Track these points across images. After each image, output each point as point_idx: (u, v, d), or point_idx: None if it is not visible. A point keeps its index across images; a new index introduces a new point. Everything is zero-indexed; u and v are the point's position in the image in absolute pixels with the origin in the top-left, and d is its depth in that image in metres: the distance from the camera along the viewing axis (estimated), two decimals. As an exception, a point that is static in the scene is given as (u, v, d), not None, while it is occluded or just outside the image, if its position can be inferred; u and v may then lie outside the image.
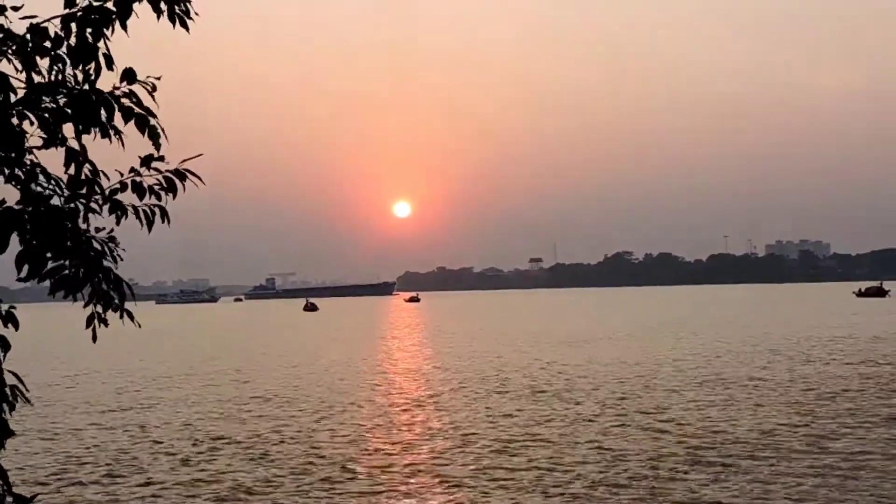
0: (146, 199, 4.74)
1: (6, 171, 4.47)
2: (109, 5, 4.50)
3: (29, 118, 4.46)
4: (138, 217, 4.72)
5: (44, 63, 4.51)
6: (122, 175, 4.71)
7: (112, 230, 4.68)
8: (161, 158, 4.72)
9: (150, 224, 4.76)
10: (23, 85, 4.47)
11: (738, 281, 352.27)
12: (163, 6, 4.62)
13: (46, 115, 4.48)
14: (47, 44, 4.49)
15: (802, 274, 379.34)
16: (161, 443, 20.28)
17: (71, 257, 4.50)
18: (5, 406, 4.71)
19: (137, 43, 4.61)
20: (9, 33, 4.49)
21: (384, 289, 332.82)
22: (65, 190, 4.59)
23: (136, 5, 4.56)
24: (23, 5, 4.56)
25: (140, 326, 5.30)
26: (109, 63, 4.56)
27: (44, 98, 4.46)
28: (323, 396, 27.88)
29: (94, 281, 4.61)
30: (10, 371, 4.69)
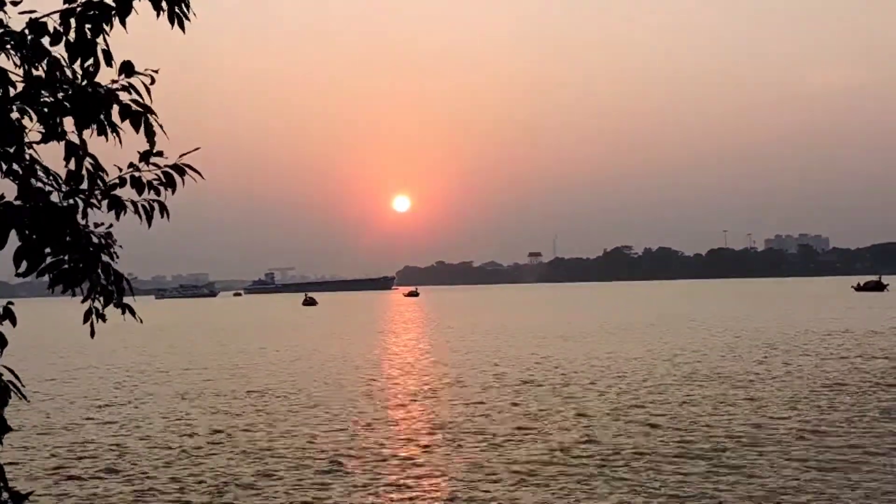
0: (145, 195, 4.75)
1: (4, 167, 4.47)
2: (109, 1, 4.50)
3: (29, 114, 4.46)
4: (137, 212, 4.72)
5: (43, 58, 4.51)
6: (120, 170, 4.71)
7: (111, 226, 4.69)
8: (160, 154, 4.72)
9: (149, 219, 4.76)
10: (21, 79, 4.47)
11: (737, 275, 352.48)
12: (164, 5, 4.63)
13: (45, 109, 4.48)
14: (46, 39, 4.49)
15: (802, 268, 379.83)
16: (159, 437, 20.29)
17: (70, 252, 4.50)
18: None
19: (136, 37, 4.62)
20: (8, 29, 4.49)
21: (383, 283, 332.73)
22: (63, 185, 4.59)
23: (135, 3, 4.56)
24: (22, 0, 4.57)
25: (142, 322, 5.30)
26: (108, 59, 4.56)
27: (42, 92, 4.46)
28: (320, 391, 27.90)
29: (93, 276, 4.61)
30: (5, 367, 4.69)
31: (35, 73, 4.50)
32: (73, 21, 4.49)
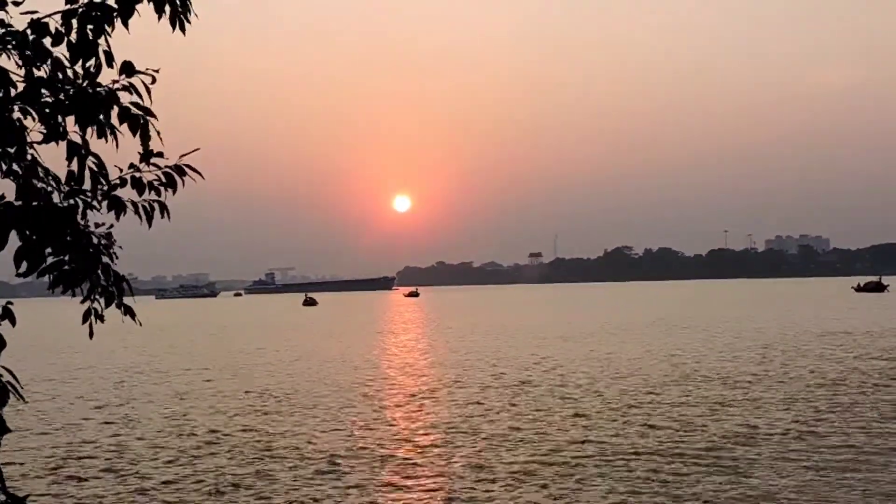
0: (145, 195, 4.75)
1: (4, 167, 4.47)
2: (111, 2, 4.50)
3: (31, 114, 4.46)
4: (137, 213, 4.73)
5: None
6: (121, 171, 4.72)
7: (111, 226, 4.69)
8: (160, 154, 4.73)
9: (149, 219, 4.77)
10: (22, 80, 4.47)
11: (737, 276, 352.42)
12: (166, 8, 4.63)
13: (47, 109, 4.49)
14: (47, 39, 4.49)
15: (802, 269, 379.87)
16: (158, 437, 20.30)
17: (71, 253, 4.51)
18: None
19: (136, 36, 4.62)
20: (10, 29, 4.50)
21: (384, 283, 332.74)
22: (63, 186, 4.59)
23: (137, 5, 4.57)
24: (24, 0, 4.57)
25: (141, 325, 5.30)
26: (109, 60, 4.56)
27: (43, 92, 4.47)
28: (319, 391, 27.91)
29: (93, 277, 4.61)
30: (4, 367, 4.68)
31: (36, 73, 4.50)
32: (74, 22, 4.49)
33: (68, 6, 4.50)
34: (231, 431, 20.76)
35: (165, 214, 4.81)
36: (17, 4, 4.54)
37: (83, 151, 4.56)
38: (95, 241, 4.60)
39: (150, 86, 4.65)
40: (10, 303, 4.75)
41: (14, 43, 4.47)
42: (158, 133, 4.68)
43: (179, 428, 21.55)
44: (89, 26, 4.49)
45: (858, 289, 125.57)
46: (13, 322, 4.68)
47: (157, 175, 4.74)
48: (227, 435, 20.32)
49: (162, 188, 4.75)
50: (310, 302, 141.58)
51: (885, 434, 18.41)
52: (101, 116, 4.52)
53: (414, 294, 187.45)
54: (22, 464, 17.63)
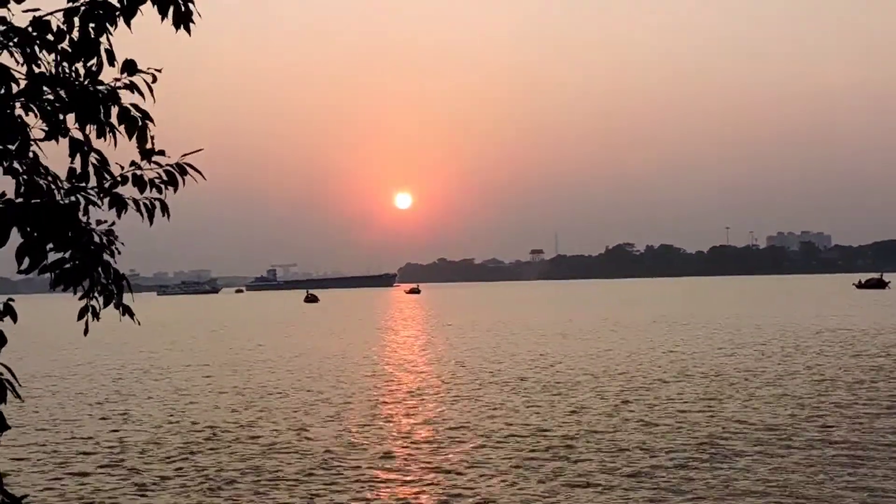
0: (146, 193, 4.76)
1: (5, 164, 4.48)
2: (114, 1, 4.51)
3: (33, 110, 4.47)
4: (139, 210, 4.73)
5: (45, 56, 4.53)
6: (122, 168, 4.73)
7: (112, 223, 4.70)
8: (161, 152, 4.74)
9: (150, 217, 4.78)
10: (24, 77, 4.48)
11: (739, 273, 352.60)
12: (170, 11, 4.64)
13: (48, 106, 4.50)
14: (49, 37, 4.50)
15: (804, 266, 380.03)
16: (158, 433, 20.32)
17: (72, 249, 4.51)
18: None
19: (136, 32, 4.63)
20: (11, 26, 4.50)
21: (385, 280, 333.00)
22: (63, 184, 4.61)
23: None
24: (26, -2, 4.58)
25: (140, 324, 5.30)
26: (111, 59, 4.57)
27: (45, 89, 4.48)
28: (320, 388, 27.92)
29: (93, 275, 4.62)
30: (2, 364, 4.69)
31: (37, 70, 4.51)
32: (76, 20, 4.50)
33: (70, 4, 4.50)
34: (231, 428, 20.78)
35: (166, 213, 4.82)
36: (18, 2, 4.55)
37: (86, 148, 4.57)
38: (97, 238, 4.61)
39: (152, 85, 4.66)
40: (12, 299, 4.76)
41: (17, 39, 4.47)
42: (153, 137, 4.69)
43: (179, 424, 21.57)
44: (91, 25, 4.50)
45: (860, 285, 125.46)
46: (14, 319, 4.70)
47: (158, 173, 4.75)
48: (226, 431, 20.34)
49: (163, 186, 4.76)
50: (311, 299, 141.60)
51: (887, 431, 18.40)
52: (102, 115, 4.53)
53: (415, 291, 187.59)
54: (22, 460, 17.66)
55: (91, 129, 4.55)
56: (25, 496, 5.38)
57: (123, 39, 4.59)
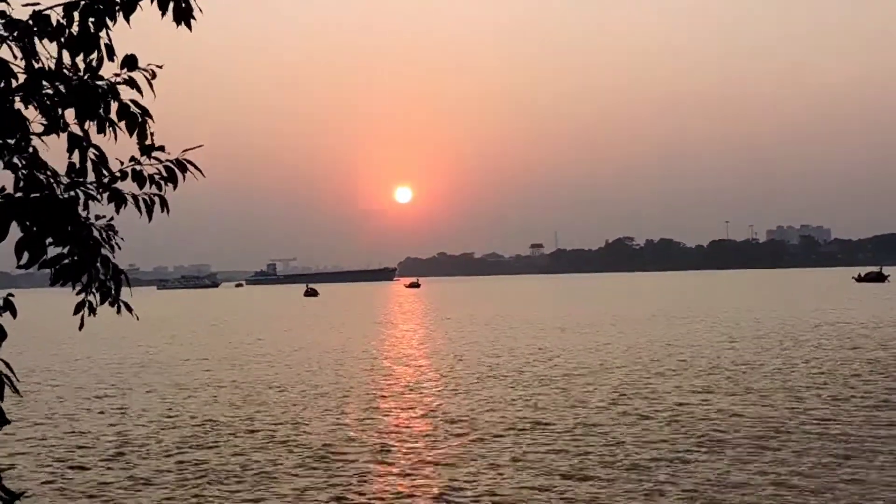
0: (146, 188, 4.76)
1: (5, 159, 4.49)
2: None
3: (32, 104, 4.48)
4: (137, 206, 4.74)
5: (44, 51, 4.53)
6: (121, 164, 4.73)
7: (111, 218, 4.71)
8: (161, 148, 4.74)
9: (149, 213, 4.78)
10: (23, 71, 4.49)
11: (739, 266, 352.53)
12: (170, 6, 4.64)
13: (47, 101, 4.50)
14: (48, 30, 4.51)
15: (804, 259, 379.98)
16: (158, 428, 20.34)
17: (71, 244, 4.52)
18: None
19: (139, 29, 4.64)
20: (11, 20, 4.51)
21: (385, 274, 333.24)
22: (62, 178, 4.61)
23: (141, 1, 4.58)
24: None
25: (138, 319, 5.31)
26: (111, 53, 4.58)
27: (44, 83, 4.48)
28: (318, 382, 27.94)
29: (91, 271, 4.63)
30: (1, 360, 4.70)
31: (36, 65, 4.51)
32: (76, 14, 4.50)
33: (70, -1, 4.50)
34: (230, 422, 20.81)
35: (165, 209, 4.82)
36: (18, -4, 4.56)
37: (84, 144, 4.58)
38: (96, 232, 4.62)
39: (152, 81, 4.66)
40: (11, 294, 4.77)
41: (17, 33, 4.48)
42: (152, 134, 4.70)
43: (178, 418, 21.60)
44: (90, 19, 4.51)
45: (859, 279, 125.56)
46: (14, 314, 4.71)
47: (157, 169, 4.75)
48: (226, 425, 20.37)
49: (162, 182, 4.76)
50: (311, 293, 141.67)
51: (884, 424, 18.42)
52: (101, 111, 4.54)
53: (415, 285, 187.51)
54: (22, 454, 17.68)
55: (91, 125, 4.56)
56: (24, 492, 5.40)
57: (124, 33, 4.60)
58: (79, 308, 4.78)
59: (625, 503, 13.23)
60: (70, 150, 4.57)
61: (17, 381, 4.76)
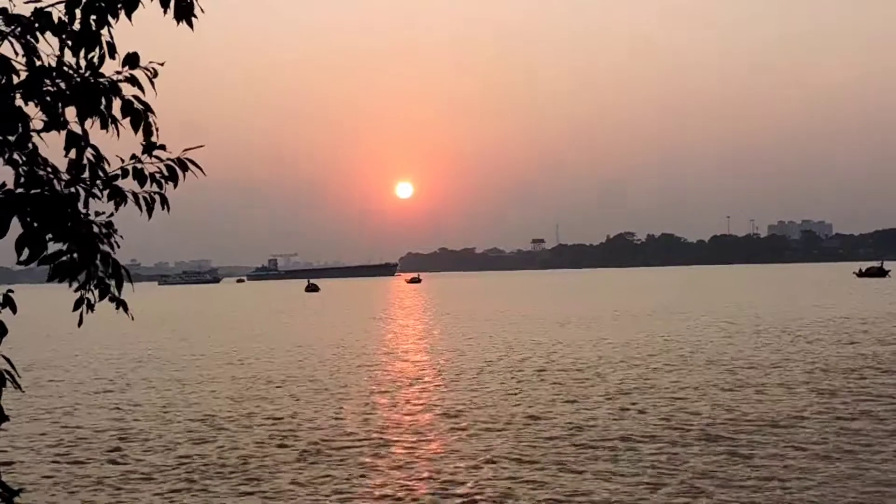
0: (147, 186, 4.77)
1: (6, 155, 4.51)
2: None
3: (33, 100, 4.49)
4: (138, 204, 4.75)
5: (46, 48, 4.54)
6: (122, 161, 4.74)
7: (111, 215, 4.72)
8: (162, 147, 4.76)
9: (150, 211, 4.79)
10: (24, 67, 4.50)
11: (740, 261, 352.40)
12: (171, 3, 4.65)
13: (48, 98, 4.52)
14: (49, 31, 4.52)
15: (805, 254, 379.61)
16: (157, 423, 20.38)
17: (71, 241, 4.54)
18: None
19: (140, 26, 4.66)
20: (12, 15, 4.52)
21: (386, 269, 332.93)
22: (63, 175, 4.63)
23: None
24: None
25: (133, 319, 5.32)
26: (112, 51, 4.59)
27: (45, 81, 4.49)
28: (318, 377, 27.97)
29: (90, 268, 4.64)
30: (2, 355, 4.72)
31: (38, 63, 4.53)
32: (78, 12, 4.51)
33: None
34: (230, 417, 20.84)
35: (166, 207, 4.83)
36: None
37: (83, 143, 4.59)
38: (96, 229, 4.63)
39: (153, 79, 4.68)
40: (11, 291, 4.78)
41: (20, 29, 4.49)
42: (157, 130, 4.72)
43: (178, 413, 21.64)
44: (92, 17, 4.52)
45: (860, 274, 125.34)
46: (14, 310, 4.72)
47: (158, 167, 4.76)
48: (226, 420, 20.41)
49: (163, 181, 4.77)
50: (312, 288, 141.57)
51: (876, 419, 18.43)
52: (104, 107, 4.55)
53: (416, 280, 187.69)
54: (22, 449, 17.72)
55: (92, 123, 4.57)
56: (22, 488, 5.43)
57: (125, 33, 4.62)
58: (78, 305, 4.79)
59: (623, 497, 13.26)
60: (67, 149, 4.58)
61: (19, 376, 4.78)
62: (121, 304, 4.88)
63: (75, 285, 4.68)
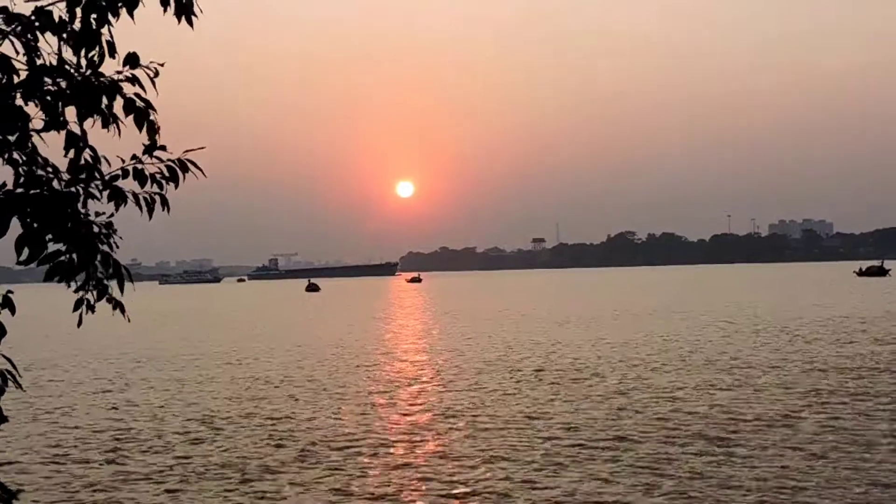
0: (147, 187, 4.77)
1: (6, 154, 4.50)
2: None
3: (33, 100, 4.49)
4: (138, 204, 4.74)
5: (46, 46, 4.54)
6: (123, 161, 4.74)
7: (111, 215, 4.72)
8: (163, 147, 4.75)
9: (150, 211, 4.79)
10: (25, 66, 4.50)
11: (741, 260, 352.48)
12: (171, 2, 4.65)
13: (48, 97, 4.52)
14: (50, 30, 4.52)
15: (806, 253, 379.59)
16: (157, 423, 20.38)
17: (70, 241, 4.54)
18: None
19: (139, 26, 4.66)
20: (13, 14, 4.52)
21: (387, 269, 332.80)
22: (63, 175, 4.63)
23: None
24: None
25: (129, 321, 5.31)
26: (112, 50, 4.59)
27: (45, 80, 4.49)
28: (317, 377, 27.97)
29: (89, 269, 4.64)
30: (3, 355, 4.72)
31: (38, 62, 4.52)
32: (78, 11, 4.51)
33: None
34: (230, 417, 20.84)
35: (166, 207, 4.83)
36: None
37: (81, 144, 4.59)
38: (96, 229, 4.63)
39: (154, 79, 4.67)
40: (11, 292, 4.78)
41: (20, 28, 4.49)
42: (158, 128, 4.71)
43: (179, 414, 21.63)
44: (93, 15, 4.52)
45: (860, 273, 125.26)
46: (13, 311, 4.72)
47: (159, 168, 4.76)
48: (226, 420, 20.41)
49: (164, 181, 4.77)
50: (312, 288, 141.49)
51: (876, 417, 18.42)
52: (105, 106, 4.55)
53: (416, 280, 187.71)
54: (22, 450, 17.72)
55: (93, 122, 4.57)
56: (21, 489, 5.43)
57: (125, 32, 4.61)
58: (77, 305, 4.80)
59: (622, 497, 13.26)
60: (66, 149, 4.58)
61: (20, 375, 4.79)
62: (118, 305, 4.88)
63: (74, 286, 4.68)
